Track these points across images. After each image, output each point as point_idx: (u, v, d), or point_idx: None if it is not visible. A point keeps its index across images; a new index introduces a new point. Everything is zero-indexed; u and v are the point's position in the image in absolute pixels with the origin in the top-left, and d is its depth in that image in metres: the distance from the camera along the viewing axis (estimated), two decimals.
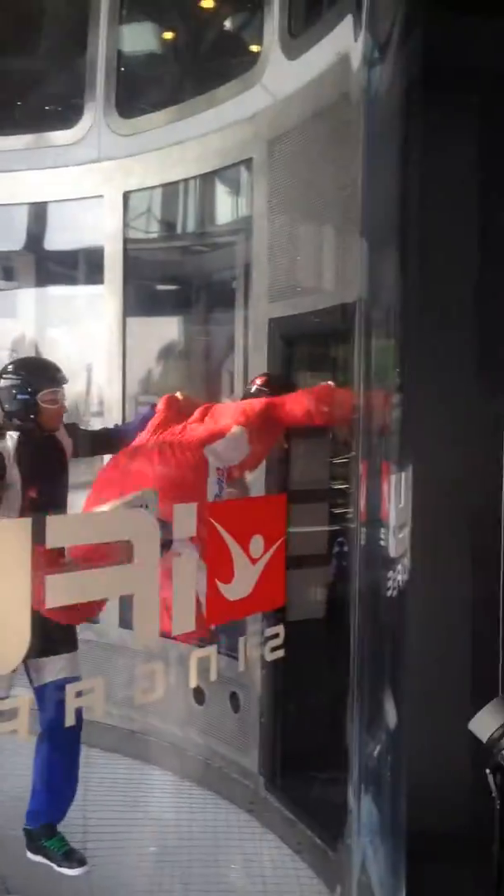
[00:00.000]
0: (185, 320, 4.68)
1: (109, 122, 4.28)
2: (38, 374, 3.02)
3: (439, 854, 2.80)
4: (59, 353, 4.57)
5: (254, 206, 3.76)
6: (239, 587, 1.93)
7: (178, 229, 4.62)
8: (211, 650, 2.02)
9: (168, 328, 4.77)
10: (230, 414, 3.02)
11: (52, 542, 1.50)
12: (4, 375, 2.99)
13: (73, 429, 3.19)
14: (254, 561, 1.94)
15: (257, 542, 1.96)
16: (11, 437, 2.93)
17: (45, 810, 3.05)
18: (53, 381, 3.01)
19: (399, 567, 2.74)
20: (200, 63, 4.41)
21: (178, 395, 3.21)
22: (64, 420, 3.12)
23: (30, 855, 3.08)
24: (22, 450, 2.91)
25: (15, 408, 2.94)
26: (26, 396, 2.93)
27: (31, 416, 2.94)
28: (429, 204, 2.95)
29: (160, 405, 3.18)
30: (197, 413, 3.08)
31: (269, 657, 2.18)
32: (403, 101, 2.80)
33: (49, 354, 4.53)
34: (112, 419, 4.33)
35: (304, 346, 3.80)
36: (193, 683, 2.06)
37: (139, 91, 4.41)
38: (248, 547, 1.94)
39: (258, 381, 3.37)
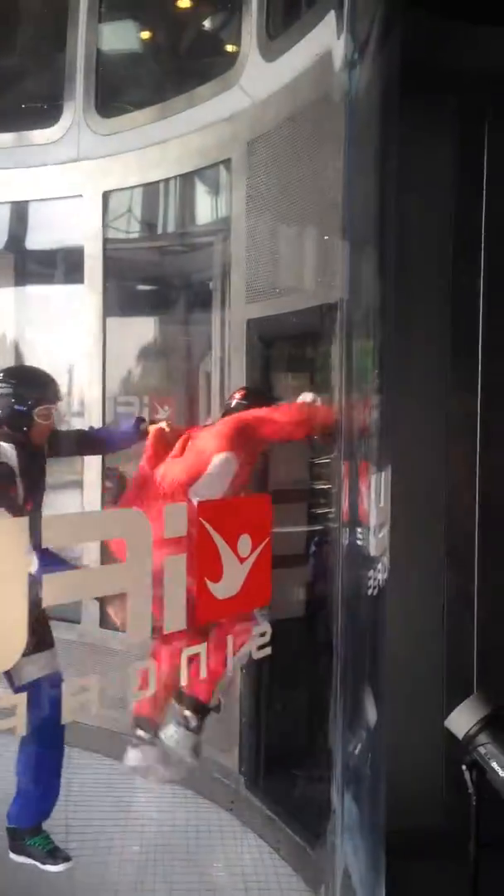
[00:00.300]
0: (165, 320, 4.69)
1: (89, 122, 4.27)
2: (37, 387, 2.97)
3: (414, 851, 2.83)
4: (38, 353, 4.57)
5: (232, 207, 3.78)
6: (227, 586, 1.95)
7: (158, 229, 4.62)
8: (200, 648, 2.02)
9: (148, 328, 4.78)
10: (210, 442, 3.02)
11: (48, 540, 1.52)
12: (2, 382, 2.94)
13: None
14: (242, 560, 1.97)
15: (245, 542, 1.98)
16: (11, 448, 2.88)
17: (31, 809, 3.05)
18: (51, 398, 2.98)
19: (379, 566, 2.76)
20: (179, 63, 4.42)
21: (165, 426, 3.22)
22: None
23: (13, 856, 3.09)
24: (21, 462, 2.87)
25: (9, 417, 2.89)
26: (23, 409, 2.89)
27: (24, 429, 2.89)
28: (404, 204, 2.97)
29: (149, 440, 3.18)
30: (178, 445, 3.08)
31: (257, 655, 2.20)
32: (381, 102, 2.81)
33: (29, 354, 4.53)
34: (93, 419, 4.33)
35: (283, 347, 3.82)
36: (185, 681, 2.06)
37: (119, 90, 4.41)
38: (236, 546, 1.96)
39: (237, 396, 3.35)
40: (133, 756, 3.11)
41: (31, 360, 4.49)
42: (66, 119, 4.34)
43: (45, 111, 4.38)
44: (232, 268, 3.75)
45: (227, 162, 3.77)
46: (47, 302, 4.76)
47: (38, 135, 4.38)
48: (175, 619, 1.76)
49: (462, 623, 3.71)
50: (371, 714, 2.51)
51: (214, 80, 3.77)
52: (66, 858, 3.06)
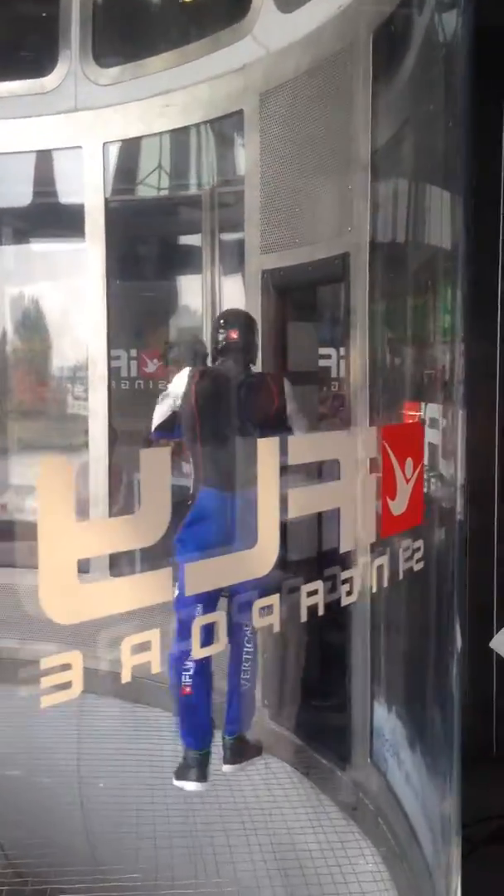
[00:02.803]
0: (169, 275, 4.69)
1: (86, 71, 4.21)
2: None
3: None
4: (43, 308, 4.55)
5: (245, 159, 3.80)
6: (399, 503, 2.14)
7: (162, 181, 4.60)
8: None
9: (150, 283, 4.78)
10: None
11: (292, 458, 1.73)
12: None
13: None
14: (407, 480, 2.14)
15: (409, 464, 2.17)
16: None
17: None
18: None
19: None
20: (184, 10, 4.36)
21: None
22: None
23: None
24: (195, 386, 3.33)
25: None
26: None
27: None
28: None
29: None
30: None
31: (416, 567, 2.37)
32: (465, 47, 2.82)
33: (34, 310, 4.51)
34: (97, 373, 4.37)
35: (298, 297, 3.89)
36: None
37: (118, 38, 4.34)
38: (404, 468, 2.14)
39: None
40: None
41: (39, 316, 4.48)
42: (62, 68, 4.26)
43: (40, 60, 4.29)
44: (245, 220, 3.78)
45: (238, 113, 3.78)
46: (48, 257, 4.72)
47: (34, 84, 4.30)
48: (369, 533, 1.97)
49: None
50: (458, 637, 2.71)
51: (224, 30, 3.76)
52: None
